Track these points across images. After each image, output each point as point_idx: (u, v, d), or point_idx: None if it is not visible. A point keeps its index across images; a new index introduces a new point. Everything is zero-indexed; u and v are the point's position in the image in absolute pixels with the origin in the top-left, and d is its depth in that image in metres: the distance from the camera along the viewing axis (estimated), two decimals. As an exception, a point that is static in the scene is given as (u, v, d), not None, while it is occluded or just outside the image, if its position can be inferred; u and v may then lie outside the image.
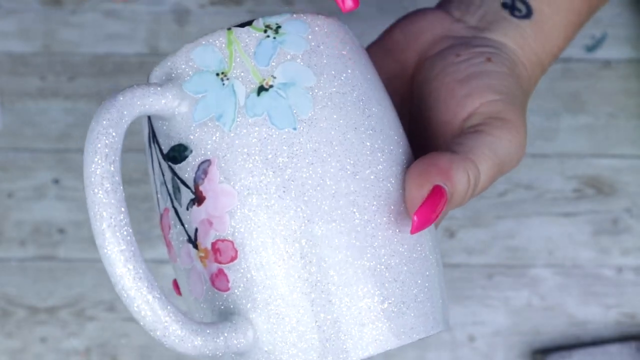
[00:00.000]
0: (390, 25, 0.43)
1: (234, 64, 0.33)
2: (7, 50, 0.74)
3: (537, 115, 0.74)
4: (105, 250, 0.30)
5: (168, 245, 0.34)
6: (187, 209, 0.33)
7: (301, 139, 0.32)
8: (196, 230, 0.32)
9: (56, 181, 0.73)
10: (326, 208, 0.32)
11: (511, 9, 0.42)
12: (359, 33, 0.74)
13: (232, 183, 0.32)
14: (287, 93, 0.33)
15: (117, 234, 0.30)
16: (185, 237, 0.33)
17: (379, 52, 0.42)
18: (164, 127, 0.33)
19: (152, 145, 0.34)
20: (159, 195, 0.34)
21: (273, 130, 0.32)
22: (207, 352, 0.31)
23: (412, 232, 0.33)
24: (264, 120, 0.32)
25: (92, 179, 0.30)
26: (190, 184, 0.32)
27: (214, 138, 0.32)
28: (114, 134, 0.31)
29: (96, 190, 0.30)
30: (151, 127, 0.34)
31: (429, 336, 0.71)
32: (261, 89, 0.32)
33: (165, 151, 0.33)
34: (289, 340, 0.32)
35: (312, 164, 0.32)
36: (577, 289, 0.71)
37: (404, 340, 0.33)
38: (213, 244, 0.32)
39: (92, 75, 0.74)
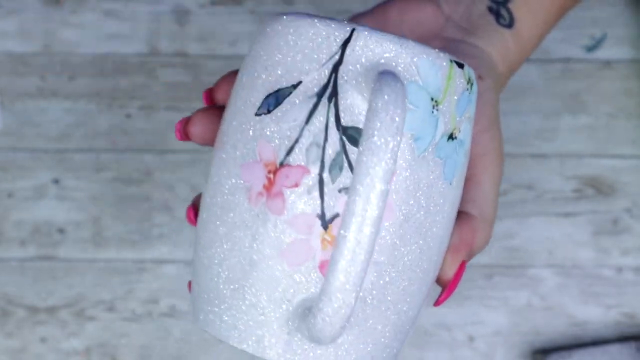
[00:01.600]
0: (384, 4, 0.43)
1: (445, 100, 0.33)
2: (8, 50, 0.75)
3: (537, 115, 0.74)
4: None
5: (276, 194, 0.32)
6: (339, 191, 0.32)
7: (448, 195, 0.34)
8: (336, 215, 0.32)
9: (56, 181, 0.73)
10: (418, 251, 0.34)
11: (496, 14, 0.42)
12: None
13: (396, 199, 0.32)
14: (459, 150, 0.34)
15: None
16: (317, 211, 0.32)
17: (369, 24, 0.42)
18: (357, 101, 0.32)
19: (325, 101, 0.32)
20: (298, 145, 0.32)
21: (441, 177, 0.33)
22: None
23: (437, 305, 0.36)
24: (440, 165, 0.33)
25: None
26: None
27: (403, 152, 0.32)
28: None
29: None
30: (335, 81, 0.32)
31: (429, 337, 0.71)
32: (451, 137, 0.33)
33: (345, 123, 0.32)
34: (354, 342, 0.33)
35: (441, 218, 0.34)
36: (577, 289, 0.71)
37: None
38: None
39: (92, 75, 0.74)
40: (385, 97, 0.29)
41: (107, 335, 0.71)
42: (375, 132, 0.29)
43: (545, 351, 0.69)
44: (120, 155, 0.73)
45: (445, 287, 0.37)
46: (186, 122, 0.37)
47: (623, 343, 0.68)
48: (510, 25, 0.42)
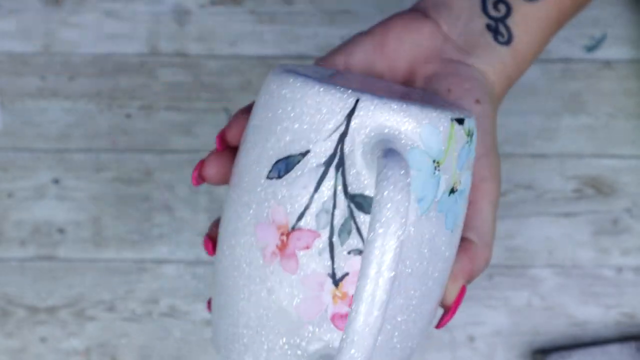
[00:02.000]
0: (384, 24, 0.43)
1: (446, 159, 0.34)
2: (7, 50, 0.75)
3: (537, 115, 0.74)
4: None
5: (290, 255, 0.34)
6: (348, 253, 0.34)
7: (450, 243, 0.36)
8: (346, 274, 0.34)
9: (56, 181, 0.73)
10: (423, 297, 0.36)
11: (495, 32, 0.43)
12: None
13: (401, 255, 0.34)
14: (459, 200, 0.36)
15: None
16: (328, 271, 0.34)
17: (368, 45, 0.42)
18: (363, 170, 0.34)
19: (332, 170, 0.34)
20: (308, 211, 0.34)
21: (442, 229, 0.35)
22: None
23: (438, 327, 0.39)
24: (442, 219, 0.35)
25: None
26: (365, 237, 0.34)
27: (407, 215, 0.33)
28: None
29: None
30: (341, 151, 0.34)
31: (429, 337, 0.71)
32: (452, 191, 0.35)
33: (352, 191, 0.34)
34: None
35: (442, 263, 0.36)
36: (577, 289, 0.71)
37: None
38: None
39: (92, 75, 0.74)
40: (391, 187, 0.31)
41: (107, 335, 0.71)
42: (383, 224, 0.31)
43: (545, 351, 0.69)
44: (120, 155, 0.73)
45: (447, 311, 0.39)
46: (201, 166, 0.39)
47: (623, 343, 0.68)
48: (508, 42, 0.43)
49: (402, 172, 0.31)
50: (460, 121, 0.35)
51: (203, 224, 0.72)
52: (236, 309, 0.36)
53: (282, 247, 0.34)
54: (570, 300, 0.71)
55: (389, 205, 0.30)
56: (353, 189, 0.34)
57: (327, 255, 0.34)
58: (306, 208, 0.34)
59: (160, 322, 0.72)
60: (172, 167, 0.73)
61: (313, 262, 0.34)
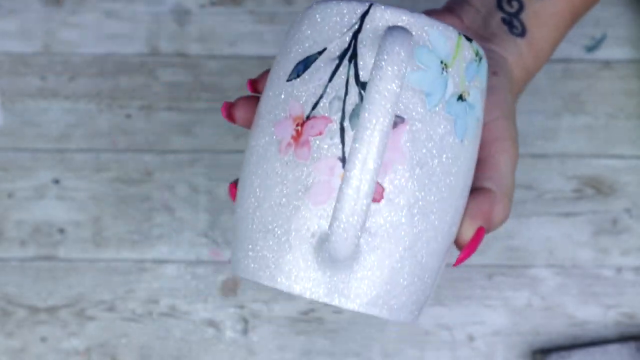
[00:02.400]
0: None
1: (454, 65, 0.37)
2: (8, 50, 0.75)
3: (537, 115, 0.74)
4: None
5: (303, 143, 0.37)
6: None
7: (460, 152, 0.38)
8: None
9: (56, 181, 0.73)
10: (436, 202, 0.38)
11: (509, 25, 0.46)
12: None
13: (409, 148, 0.36)
14: (469, 112, 0.38)
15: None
16: (338, 155, 0.36)
17: None
18: (372, 60, 0.36)
19: (346, 62, 0.37)
20: (323, 100, 0.37)
21: (452, 133, 0.37)
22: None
23: (455, 265, 0.41)
24: (451, 121, 0.37)
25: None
26: None
27: (415, 106, 0.36)
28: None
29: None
30: (354, 45, 0.37)
31: (429, 337, 0.71)
32: (460, 97, 0.37)
33: (363, 79, 0.36)
34: (378, 275, 0.36)
35: (456, 173, 0.38)
36: (576, 289, 0.71)
37: (390, 316, 0.38)
38: None
39: (92, 76, 0.74)
40: (394, 32, 0.34)
41: (107, 335, 0.71)
42: (383, 63, 0.33)
43: (545, 351, 0.69)
44: (121, 155, 0.73)
45: (463, 248, 0.40)
46: (230, 105, 0.42)
47: (623, 343, 0.68)
48: (522, 34, 0.46)
49: (405, 31, 0.34)
50: (469, 39, 0.38)
51: (203, 224, 0.72)
52: (250, 212, 0.38)
53: (297, 136, 0.37)
54: (570, 300, 0.71)
55: (390, 48, 0.33)
56: (364, 77, 0.36)
57: (338, 139, 0.36)
58: (320, 97, 0.37)
59: (160, 322, 0.72)
60: (172, 167, 0.73)
61: (325, 146, 0.36)
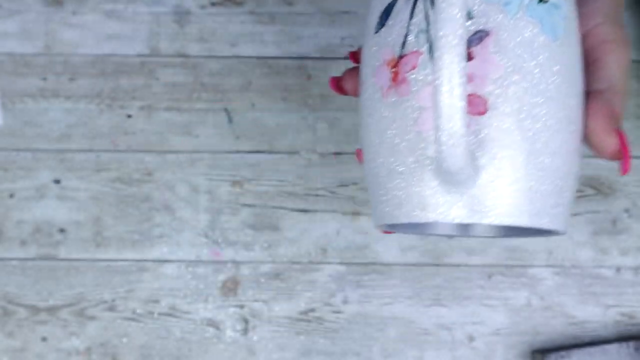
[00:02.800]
0: None
1: None
2: (9, 50, 0.75)
3: (536, 116, 0.74)
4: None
5: (401, 81, 0.38)
6: None
7: (555, 51, 0.39)
8: None
9: (57, 181, 0.73)
10: (551, 102, 0.39)
11: None
12: (356, 34, 0.74)
13: (499, 57, 0.37)
14: (555, 13, 0.39)
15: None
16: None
17: None
18: None
19: None
20: (409, 37, 0.38)
21: (541, 34, 0.38)
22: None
23: (623, 173, 0.41)
24: (536, 25, 0.38)
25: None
26: None
27: (496, 17, 0.38)
28: None
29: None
30: None
31: (429, 337, 0.71)
32: (541, 0, 0.39)
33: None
34: (500, 192, 0.37)
35: (557, 72, 0.38)
36: (576, 289, 0.71)
37: (534, 223, 0.38)
38: (468, 95, 0.37)
39: (93, 76, 0.74)
40: None
41: (107, 334, 0.71)
42: None
43: (545, 351, 0.69)
44: (121, 155, 0.73)
45: (618, 157, 0.41)
46: (339, 79, 0.45)
47: (622, 343, 0.68)
48: None
49: None
50: None
51: (203, 224, 0.72)
52: (374, 165, 0.40)
53: (395, 77, 0.39)
54: (569, 300, 0.71)
55: None
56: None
57: (431, 68, 0.37)
58: (406, 36, 0.38)
59: (160, 321, 0.72)
60: (172, 167, 0.73)
61: (420, 77, 0.38)
